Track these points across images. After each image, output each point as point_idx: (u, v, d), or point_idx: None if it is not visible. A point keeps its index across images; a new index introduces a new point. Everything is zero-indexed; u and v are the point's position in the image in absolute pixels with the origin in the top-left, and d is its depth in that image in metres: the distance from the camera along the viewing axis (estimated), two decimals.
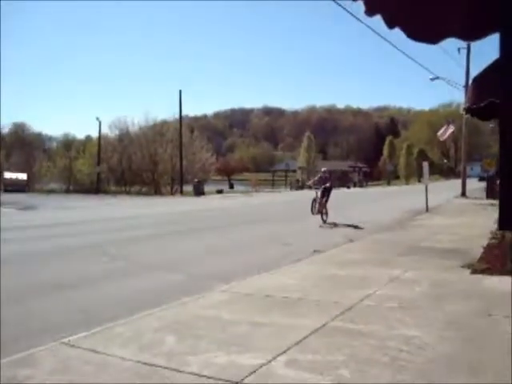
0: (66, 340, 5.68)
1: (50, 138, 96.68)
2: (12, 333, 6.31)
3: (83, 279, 9.55)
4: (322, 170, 21.14)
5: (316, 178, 20.91)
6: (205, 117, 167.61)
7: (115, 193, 58.20)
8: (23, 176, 66.10)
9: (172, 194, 56.79)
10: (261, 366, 4.80)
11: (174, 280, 9.52)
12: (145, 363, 4.96)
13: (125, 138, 66.38)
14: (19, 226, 20.73)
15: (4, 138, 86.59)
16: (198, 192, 48.60)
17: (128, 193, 59.23)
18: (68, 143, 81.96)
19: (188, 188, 53.57)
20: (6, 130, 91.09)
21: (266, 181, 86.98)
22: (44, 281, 9.40)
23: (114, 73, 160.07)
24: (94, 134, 70.97)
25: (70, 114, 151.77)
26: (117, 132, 68.54)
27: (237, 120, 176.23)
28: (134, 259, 11.79)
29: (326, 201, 19.18)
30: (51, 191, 62.51)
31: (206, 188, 51.99)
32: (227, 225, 19.97)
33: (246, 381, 4.49)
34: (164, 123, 66.31)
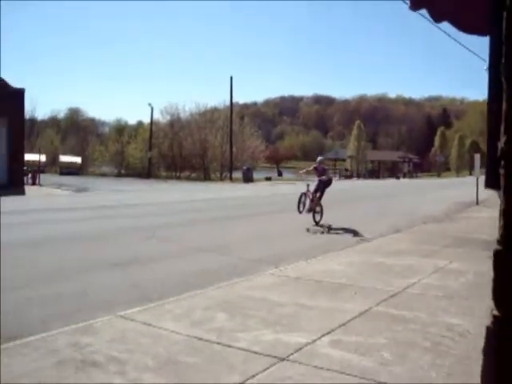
0: (122, 313, 6.07)
1: (103, 123, 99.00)
2: (75, 304, 6.76)
3: (137, 258, 9.97)
4: (318, 158, 16.86)
5: (309, 168, 17.23)
6: (255, 104, 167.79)
7: (166, 178, 59.26)
8: (77, 159, 68.07)
9: (221, 180, 57.46)
10: (306, 345, 5.04)
11: (225, 262, 9.83)
12: (196, 337, 5.27)
13: (176, 124, 67.40)
14: (75, 207, 21.56)
15: (60, 123, 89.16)
16: (247, 179, 49.02)
17: (178, 178, 60.22)
18: (120, 128, 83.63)
19: (237, 175, 54.08)
20: (61, 115, 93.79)
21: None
22: (102, 259, 9.87)
23: (166, 59, 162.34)
24: (146, 120, 72.37)
25: (122, 99, 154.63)
26: (168, 118, 69.71)
27: (287, 108, 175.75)
28: (186, 241, 12.18)
29: (320, 197, 15.60)
30: (103, 175, 64.19)
31: (255, 175, 52.35)
32: (276, 211, 20.21)
33: (291, 358, 4.74)
34: (215, 110, 67.02)
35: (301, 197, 15.38)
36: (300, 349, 4.95)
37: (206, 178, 59.58)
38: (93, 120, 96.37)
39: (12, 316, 6.22)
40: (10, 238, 11.85)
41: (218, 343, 5.11)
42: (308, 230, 14.17)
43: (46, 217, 17.09)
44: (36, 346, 5.01)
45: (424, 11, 3.17)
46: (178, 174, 63.65)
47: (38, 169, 42.50)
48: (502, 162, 1.37)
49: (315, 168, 16.21)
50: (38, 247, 11.03)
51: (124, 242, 12.08)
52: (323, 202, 15.68)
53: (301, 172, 17.71)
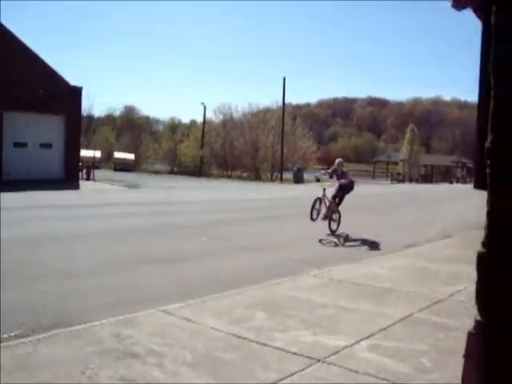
0: (164, 308, 6.20)
1: (158, 122, 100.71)
2: (119, 297, 6.95)
3: (183, 255, 10.14)
4: (337, 161, 14.67)
5: (329, 170, 15.11)
6: (308, 105, 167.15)
7: (217, 176, 59.84)
8: (131, 156, 69.46)
9: (272, 180, 57.58)
10: (344, 348, 5.03)
11: (269, 261, 9.88)
12: (235, 335, 5.33)
13: (228, 124, 67.98)
14: (127, 202, 22.06)
15: (116, 120, 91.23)
16: (298, 179, 48.95)
17: (229, 177, 60.70)
18: (174, 126, 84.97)
19: (288, 175, 54.07)
20: (117, 113, 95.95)
21: (367, 172, 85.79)
22: (150, 254, 10.08)
23: (220, 58, 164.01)
24: (199, 119, 73.18)
25: (177, 98, 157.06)
26: (221, 117, 70.38)
27: (340, 109, 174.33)
28: (234, 240, 12.29)
29: (338, 203, 14.02)
30: (156, 172, 65.31)
31: (306, 176, 52.16)
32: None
33: (327, 360, 4.74)
34: (267, 110, 67.20)
35: (315, 202, 13.64)
36: (337, 351, 4.94)
37: (257, 177, 59.81)
38: (147, 118, 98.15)
39: (62, 304, 6.45)
40: (68, 230, 12.29)
41: (256, 342, 5.16)
42: (321, 241, 12.60)
43: (98, 212, 17.55)
44: (81, 334, 5.18)
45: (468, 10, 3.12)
46: (229, 173, 64.17)
47: (92, 164, 43.63)
48: (488, 162, 1.36)
49: (334, 170, 14.32)
50: (91, 240, 11.35)
51: (172, 238, 12.29)
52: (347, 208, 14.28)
53: (317, 174, 17.60)
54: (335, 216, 13.72)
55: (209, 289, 7.39)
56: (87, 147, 55.90)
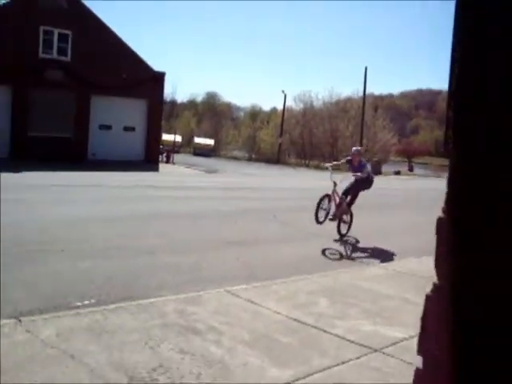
0: (229, 289, 6.39)
1: (238, 108, 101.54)
2: (188, 276, 7.21)
3: (253, 239, 10.33)
4: (354, 149, 12.72)
5: (341, 161, 13.25)
6: (390, 96, 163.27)
7: (294, 165, 59.85)
8: (211, 142, 70.58)
9: (349, 170, 56.98)
10: (402, 340, 5.03)
11: (337, 251, 9.90)
12: (295, 319, 5.44)
13: (308, 112, 67.64)
14: (204, 186, 22.57)
15: (197, 106, 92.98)
16: (375, 171, 48.18)
17: (307, 166, 60.51)
18: (254, 114, 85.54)
19: None
20: (199, 99, 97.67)
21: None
22: (222, 236, 10.33)
23: (301, 46, 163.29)
24: (280, 107, 73.32)
25: (258, 86, 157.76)
26: (301, 105, 70.11)
27: (423, 101, 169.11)
28: (304, 227, 12.37)
29: (351, 201, 11.61)
30: (235, 158, 66.09)
31: (384, 168, 51.33)
32: (399, 205, 19.79)
33: (385, 350, 4.76)
34: (348, 100, 66.35)
35: (321, 200, 11.06)
36: (396, 343, 4.96)
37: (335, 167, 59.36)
38: (228, 105, 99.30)
39: (133, 278, 6.77)
40: (145, 210, 12.80)
41: (315, 327, 5.25)
42: (324, 252, 9.79)
43: (176, 194, 18.06)
44: (147, 308, 5.46)
45: None
46: (306, 162, 63.95)
47: (173, 148, 44.72)
48: (450, 132, 1.40)
49: (349, 161, 11.96)
50: (167, 220, 11.75)
51: (245, 222, 12.50)
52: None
53: (327, 165, 13.35)
54: (346, 217, 11.47)
55: (274, 273, 7.53)
56: (169, 131, 57.21)
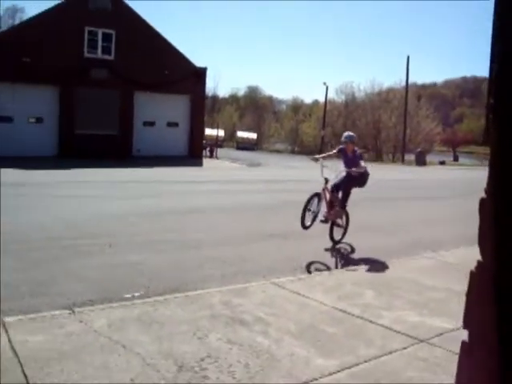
0: (275, 280, 6.46)
1: (280, 102, 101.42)
2: (234, 268, 7.31)
3: (297, 231, 10.35)
4: (345, 135, 9.70)
5: (331, 152, 10.56)
6: (434, 85, 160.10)
7: (338, 157, 59.52)
8: (253, 135, 70.83)
9: (393, 161, 56.30)
10: (449, 331, 4.99)
11: (385, 241, 9.85)
12: (341, 310, 5.47)
13: (350, 104, 67.14)
14: (248, 179, 22.70)
15: (239, 100, 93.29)
16: (420, 161, 47.45)
17: None
18: (296, 107, 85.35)
19: (410, 157, 52.58)
20: (241, 93, 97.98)
21: None
22: (266, 229, 10.42)
23: (342, 37, 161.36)
24: (321, 99, 72.88)
25: (299, 78, 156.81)
26: (343, 97, 69.63)
27: (468, 89, 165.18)
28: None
29: (344, 200, 9.47)
30: (277, 151, 66.18)
31: (428, 158, 50.48)
32: (448, 196, 19.46)
33: (431, 341, 4.74)
34: (390, 90, 65.45)
35: (310, 200, 9.02)
36: (442, 333, 4.93)
37: (378, 158, 58.71)
38: (270, 98, 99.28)
39: (180, 271, 6.92)
40: (190, 205, 12.99)
41: (361, 318, 5.27)
42: (308, 266, 7.84)
43: (220, 187, 18.23)
44: (195, 299, 5.58)
45: None
46: None
47: (215, 143, 45.09)
48: (491, 116, 1.41)
49: (342, 151, 9.56)
50: (212, 214, 11.91)
51: (289, 214, 12.52)
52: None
53: (317, 157, 9.92)
54: (340, 221, 9.50)
55: (319, 265, 7.57)
56: (211, 126, 57.70)
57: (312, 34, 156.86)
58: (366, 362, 4.24)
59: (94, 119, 30.74)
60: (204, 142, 39.07)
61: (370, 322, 5.18)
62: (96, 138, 30.67)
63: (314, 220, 9.04)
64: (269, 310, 5.36)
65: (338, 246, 9.29)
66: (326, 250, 9.00)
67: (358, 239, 10.01)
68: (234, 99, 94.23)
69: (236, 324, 4.90)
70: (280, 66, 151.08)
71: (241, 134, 70.50)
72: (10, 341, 4.29)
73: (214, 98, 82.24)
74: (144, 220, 10.68)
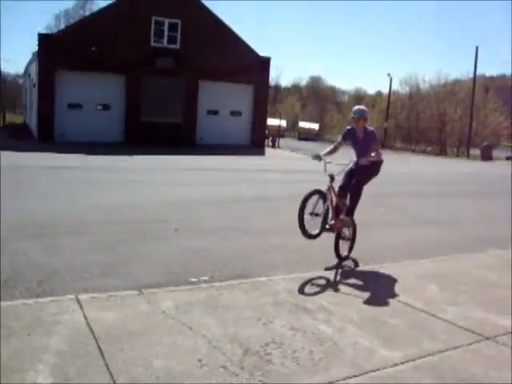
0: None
1: (343, 92, 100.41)
2: (295, 257, 7.41)
3: (360, 223, 10.29)
4: (355, 109, 7.38)
5: (338, 139, 7.71)
6: (502, 77, 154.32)
7: (400, 149, 58.50)
8: (315, 126, 70.46)
9: (457, 156, 54.87)
10: None
11: (448, 237, 9.70)
12: (403, 303, 5.46)
13: (415, 96, 65.72)
14: (308, 169, 22.65)
15: (302, 90, 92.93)
16: (486, 156, 46.02)
17: (413, 151, 58.97)
18: (359, 97, 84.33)
19: (475, 151, 51.10)
20: (304, 83, 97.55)
21: None
22: None
23: (406, 27, 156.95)
24: (385, 90, 71.73)
25: (363, 69, 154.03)
26: (407, 89, 68.23)
27: None
28: (410, 212, 12.20)
29: (352, 207, 7.41)
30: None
31: (495, 153, 48.83)
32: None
33: (497, 339, 4.67)
34: (456, 82, 63.63)
35: (308, 198, 6.71)
36: (508, 332, 4.84)
37: (442, 152, 57.33)
38: (333, 88, 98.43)
39: (245, 258, 7.05)
40: (254, 193, 13.14)
41: (424, 311, 5.24)
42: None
43: (281, 177, 18.32)
44: (259, 286, 5.69)
45: None
46: (413, 147, 62.29)
47: (278, 133, 45.15)
48: None
49: (349, 133, 7.44)
50: (274, 202, 12.03)
51: None
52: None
53: (321, 154, 7.41)
54: (347, 231, 7.53)
55: (382, 257, 7.54)
56: (273, 116, 57.81)
57: (377, 23, 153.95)
58: (430, 355, 4.23)
59: (158, 107, 31.43)
60: (266, 131, 39.20)
61: (433, 316, 5.14)
62: (160, 126, 31.34)
63: (324, 226, 6.91)
64: (332, 298, 5.42)
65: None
66: (330, 268, 6.92)
67: (422, 233, 9.91)
68: (296, 89, 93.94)
69: (300, 311, 4.99)
70: (343, 56, 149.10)
71: (303, 124, 70.25)
72: (84, 317, 4.52)
73: (277, 87, 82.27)
74: (208, 207, 10.90)
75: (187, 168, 19.49)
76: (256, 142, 34.96)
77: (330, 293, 5.65)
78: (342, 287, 5.89)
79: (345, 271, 6.55)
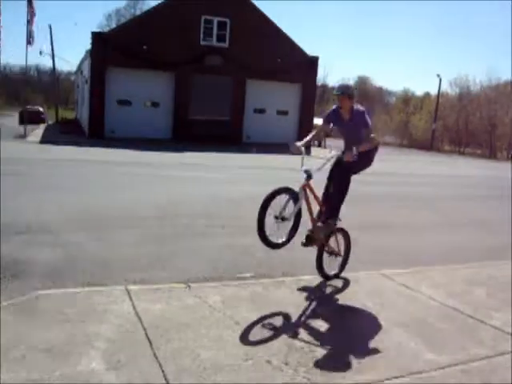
0: (384, 272, 6.47)
1: (390, 93, 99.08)
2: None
3: (410, 225, 10.22)
4: (338, 86, 5.88)
5: (319, 123, 7.02)
6: None
7: (448, 152, 57.45)
8: None
9: (508, 159, 53.49)
10: None
11: (494, 241, 9.51)
12: (450, 307, 5.40)
13: (464, 97, 64.37)
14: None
15: None
16: None
17: (461, 153, 57.82)
18: (407, 99, 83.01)
19: None
20: (351, 83, 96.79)
21: None
22: (380, 220, 10.33)
23: (456, 27, 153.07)
24: (433, 91, 70.60)
25: (411, 70, 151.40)
26: (457, 90, 66.89)
27: None
28: (452, 215, 12.00)
29: (336, 203, 6.03)
30: (385, 143, 64.83)
31: None
32: None
33: None
34: (509, 83, 62.01)
35: (271, 198, 5.43)
36: None
37: (491, 156, 56.01)
38: (380, 89, 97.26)
39: (290, 256, 7.08)
40: None
41: (471, 316, 5.18)
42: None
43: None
44: (304, 284, 5.73)
45: None
46: (461, 150, 61.06)
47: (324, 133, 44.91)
48: None
49: (333, 116, 6.05)
50: None
51: (392, 206, 12.34)
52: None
53: (298, 145, 6.11)
54: (333, 242, 6.04)
55: (431, 260, 7.47)
56: (320, 115, 57.56)
57: (426, 22, 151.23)
58: (477, 360, 4.18)
59: (206, 105, 31.78)
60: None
61: (481, 321, 5.07)
62: (208, 123, 31.68)
63: (292, 234, 5.49)
64: (377, 299, 5.40)
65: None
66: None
67: (471, 236, 9.75)
68: None
69: (345, 311, 5.00)
70: (392, 56, 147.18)
71: None
72: (134, 307, 4.66)
73: (324, 87, 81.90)
74: (254, 204, 10.91)
75: (233, 165, 19.67)
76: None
77: (375, 293, 5.62)
78: (387, 289, 5.86)
79: (390, 273, 6.50)
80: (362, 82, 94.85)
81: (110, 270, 5.98)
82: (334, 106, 6.00)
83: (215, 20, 32.23)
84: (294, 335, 4.36)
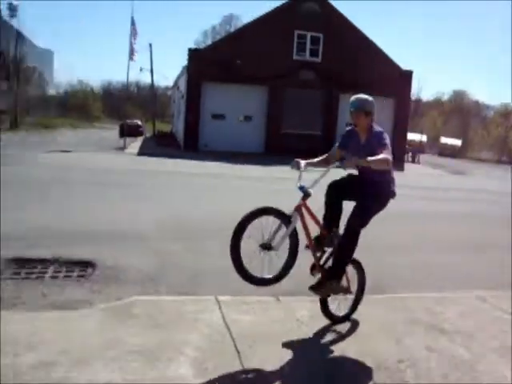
0: (478, 293, 6.21)
1: (488, 107, 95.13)
2: (432, 276, 7.19)
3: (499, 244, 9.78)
4: (354, 98, 4.97)
5: (331, 154, 5.37)
6: None
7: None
8: (457, 142, 67.50)
9: None
10: None
11: None
12: None
13: None
14: (449, 187, 21.90)
15: (443, 104, 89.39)
16: None
17: None
18: (505, 113, 79.45)
19: None
20: (446, 97, 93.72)
21: None
22: (460, 239, 10.03)
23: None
24: None
25: (508, 83, 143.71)
26: None
27: None
28: None
29: (341, 262, 4.81)
30: (481, 160, 62.29)
31: None
32: None
33: None
34: None
35: (247, 221, 4.55)
36: None
37: None
38: (477, 103, 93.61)
39: (378, 274, 6.96)
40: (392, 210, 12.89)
41: None
42: None
43: (420, 193, 17.78)
44: (394, 302, 5.64)
45: None
46: None
47: (418, 148, 43.92)
48: None
49: (348, 137, 5.14)
50: (409, 220, 11.76)
51: (488, 226, 11.86)
52: None
53: (302, 164, 4.95)
54: (346, 296, 5.06)
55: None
56: (414, 130, 56.25)
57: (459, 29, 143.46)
58: None
59: (299, 119, 31.96)
60: (407, 146, 38.29)
61: None
62: (300, 137, 31.76)
63: (288, 267, 4.69)
64: (470, 322, 5.20)
65: None
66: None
67: None
68: (437, 103, 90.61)
69: (436, 332, 4.85)
70: (489, 70, 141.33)
71: (444, 139, 67.62)
72: (223, 317, 4.76)
73: (417, 101, 79.96)
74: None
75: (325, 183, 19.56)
76: (396, 156, 34.16)
77: (468, 315, 5.42)
78: (481, 311, 5.63)
79: (485, 295, 6.23)
80: (458, 96, 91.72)
81: (200, 279, 6.14)
82: (347, 127, 5.18)
83: (308, 35, 32.41)
84: (382, 354, 4.29)
